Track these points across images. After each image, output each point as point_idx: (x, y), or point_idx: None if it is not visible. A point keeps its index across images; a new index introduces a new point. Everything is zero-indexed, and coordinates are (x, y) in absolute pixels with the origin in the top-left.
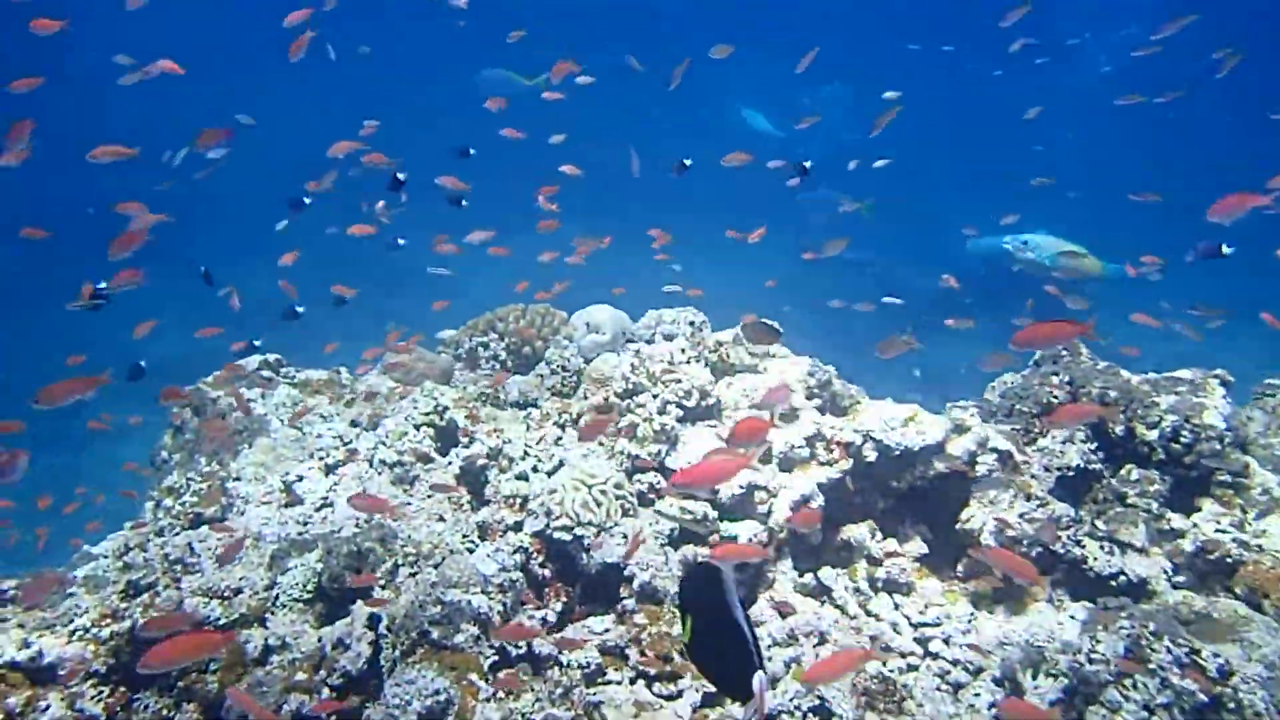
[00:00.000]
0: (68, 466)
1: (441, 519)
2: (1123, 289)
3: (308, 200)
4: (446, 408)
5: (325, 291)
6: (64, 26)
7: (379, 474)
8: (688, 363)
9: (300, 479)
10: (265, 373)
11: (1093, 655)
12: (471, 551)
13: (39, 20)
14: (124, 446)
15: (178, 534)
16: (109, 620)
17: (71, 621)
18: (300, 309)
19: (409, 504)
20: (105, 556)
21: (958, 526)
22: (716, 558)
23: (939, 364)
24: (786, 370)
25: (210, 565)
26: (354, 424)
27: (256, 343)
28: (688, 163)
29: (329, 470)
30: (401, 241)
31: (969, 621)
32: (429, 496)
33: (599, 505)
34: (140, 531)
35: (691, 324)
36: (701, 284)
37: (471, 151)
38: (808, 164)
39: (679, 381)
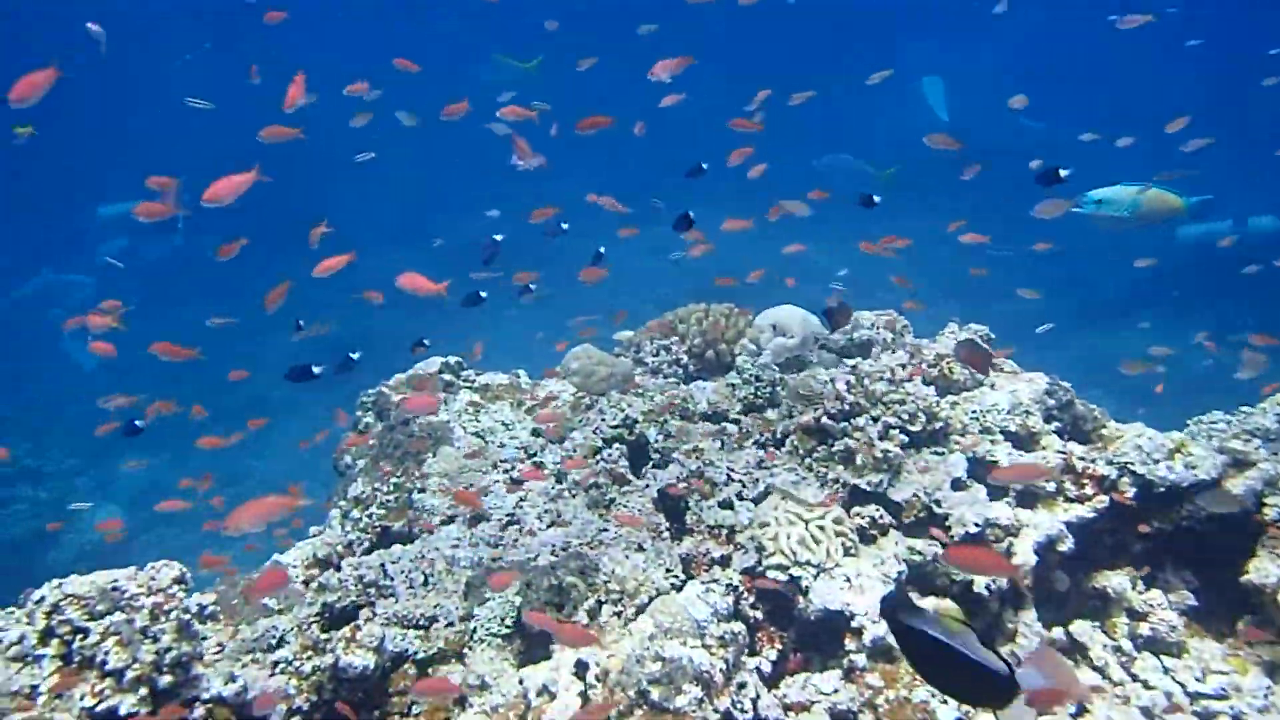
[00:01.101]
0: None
1: (640, 548)
2: None
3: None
4: (636, 421)
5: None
6: None
7: (571, 494)
8: (910, 380)
9: (486, 493)
10: (446, 376)
11: None
12: (678, 589)
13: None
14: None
15: (367, 548)
16: (310, 653)
17: (271, 650)
18: (355, 355)
19: (606, 530)
20: (294, 567)
21: (1242, 580)
22: (950, 560)
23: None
24: (1019, 388)
25: (404, 589)
26: (535, 433)
27: (426, 342)
28: (704, 166)
29: (514, 484)
30: (565, 227)
31: (1265, 696)
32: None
33: (817, 543)
34: (328, 544)
35: (891, 329)
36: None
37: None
38: (1064, 171)
39: (902, 403)
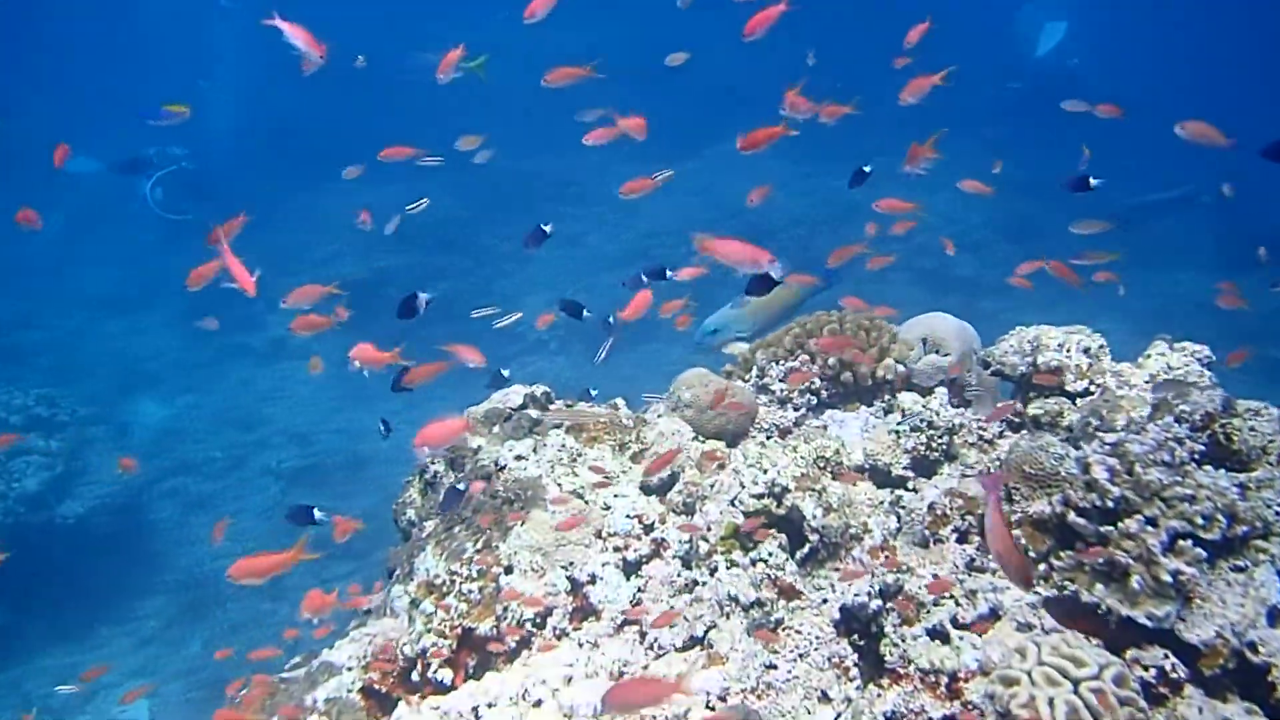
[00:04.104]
0: None
1: (826, 698)
2: None
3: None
4: (786, 488)
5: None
6: None
7: (727, 615)
8: (1194, 459)
9: (593, 580)
10: (532, 412)
11: None
12: None
13: None
14: None
15: (446, 659)
16: None
17: None
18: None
19: (774, 667)
20: (347, 669)
21: None
22: None
23: None
24: None
25: None
26: (645, 489)
27: (505, 373)
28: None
29: (627, 568)
30: (548, 229)
31: None
32: (802, 657)
33: (1095, 717)
34: (389, 650)
35: (1087, 351)
36: None
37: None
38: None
39: (1193, 499)
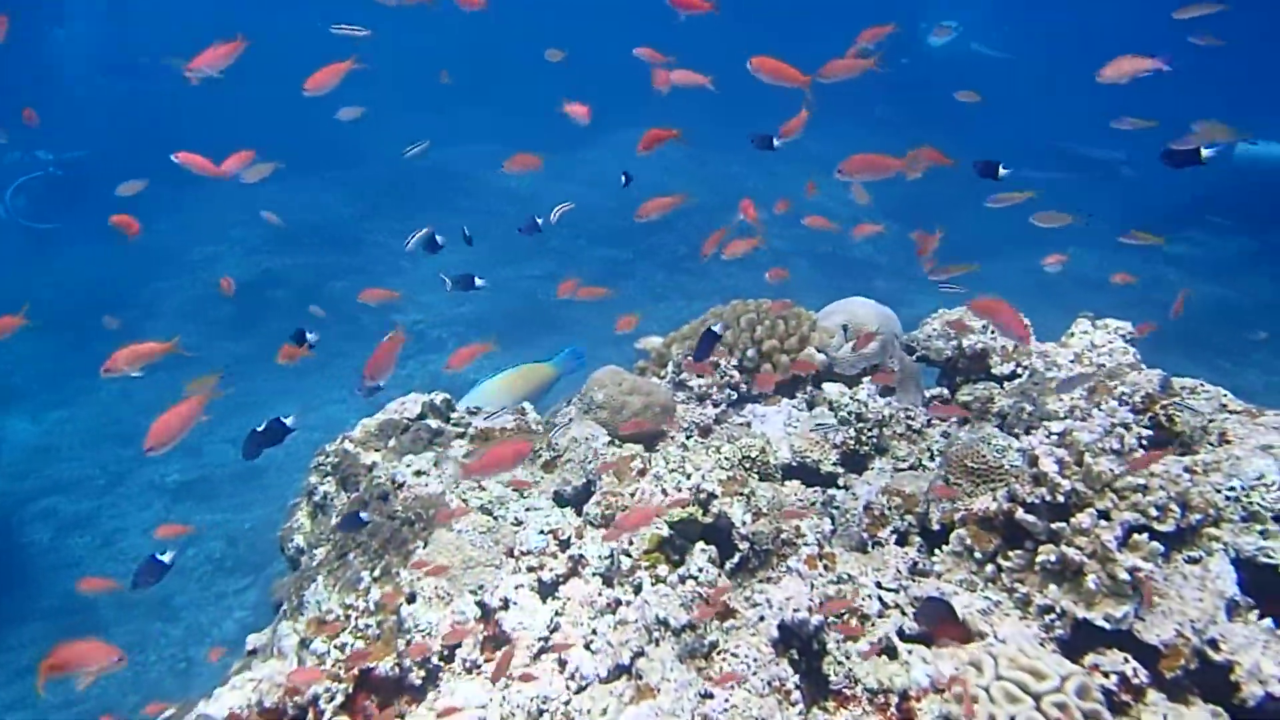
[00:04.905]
0: None
1: None
2: None
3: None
4: (712, 493)
5: None
6: None
7: (656, 640)
8: (1142, 445)
9: (506, 605)
10: (432, 422)
11: None
12: None
13: None
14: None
15: (340, 704)
16: None
17: None
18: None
19: (710, 696)
20: None
21: None
22: None
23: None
24: (1273, 440)
25: None
26: (560, 500)
27: (310, 336)
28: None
29: (544, 589)
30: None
31: None
32: (739, 683)
33: None
34: (280, 687)
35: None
36: None
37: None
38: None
39: (1145, 489)
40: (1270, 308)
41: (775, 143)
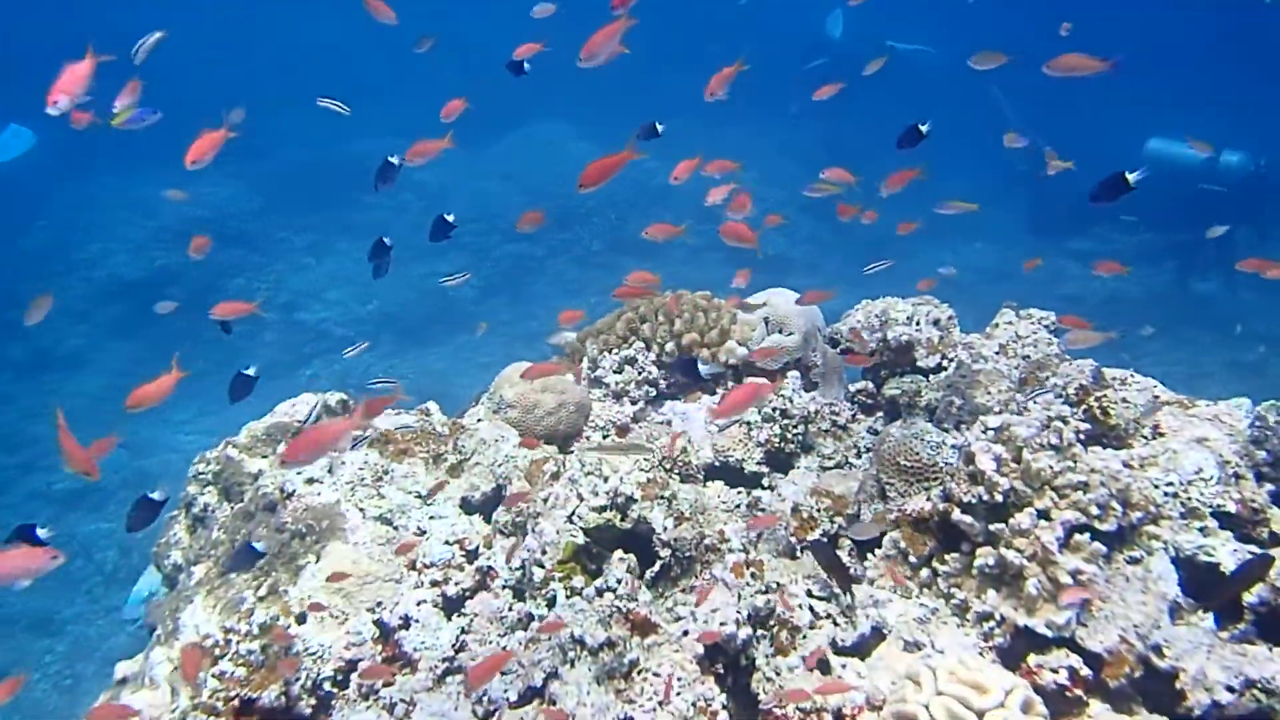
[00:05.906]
0: None
1: None
2: None
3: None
4: (631, 497)
5: None
6: None
7: (571, 661)
8: (1080, 440)
9: (406, 623)
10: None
11: None
12: None
13: None
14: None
15: None
16: None
17: None
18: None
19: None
20: None
21: None
22: None
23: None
24: (1207, 432)
25: None
26: (467, 507)
27: (249, 371)
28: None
29: (448, 605)
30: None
31: None
32: (661, 705)
33: None
34: None
35: (936, 322)
36: None
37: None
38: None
39: (1085, 487)
40: (1161, 299)
41: (658, 128)
